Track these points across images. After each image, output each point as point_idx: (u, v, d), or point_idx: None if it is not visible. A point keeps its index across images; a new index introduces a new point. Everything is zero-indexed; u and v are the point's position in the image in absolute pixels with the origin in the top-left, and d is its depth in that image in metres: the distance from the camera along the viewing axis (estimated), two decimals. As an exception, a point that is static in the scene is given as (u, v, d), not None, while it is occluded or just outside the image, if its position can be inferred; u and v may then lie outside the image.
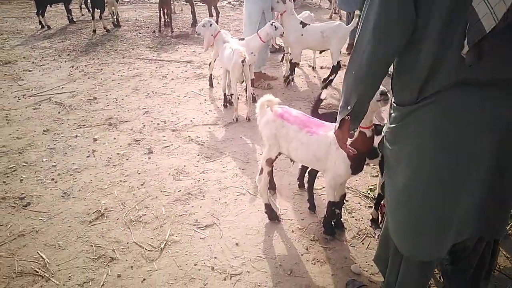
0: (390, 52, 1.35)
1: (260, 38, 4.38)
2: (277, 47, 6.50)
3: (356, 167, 2.25)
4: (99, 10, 8.12)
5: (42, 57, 6.60)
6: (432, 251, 1.54)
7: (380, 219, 2.65)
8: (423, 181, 1.44)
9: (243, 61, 3.93)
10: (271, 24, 4.35)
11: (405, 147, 1.47)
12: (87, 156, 3.61)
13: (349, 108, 1.48)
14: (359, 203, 2.93)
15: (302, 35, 4.85)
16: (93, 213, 2.84)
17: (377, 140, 2.13)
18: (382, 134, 1.70)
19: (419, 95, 1.37)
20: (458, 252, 1.77)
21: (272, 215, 2.73)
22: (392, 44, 1.32)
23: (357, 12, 4.97)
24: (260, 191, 2.71)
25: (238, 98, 4.27)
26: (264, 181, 2.64)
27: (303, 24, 4.89)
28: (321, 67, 5.95)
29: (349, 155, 1.93)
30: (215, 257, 2.43)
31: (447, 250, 1.55)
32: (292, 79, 5.22)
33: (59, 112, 4.53)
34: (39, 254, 2.46)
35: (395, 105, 1.50)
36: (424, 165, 1.42)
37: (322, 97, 2.55)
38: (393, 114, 1.52)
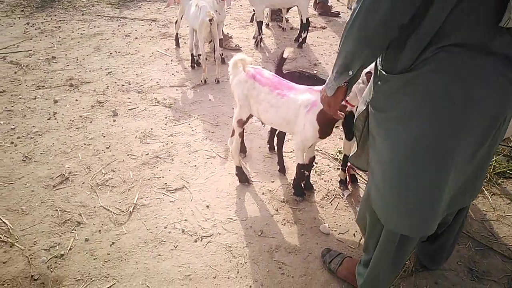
0: (408, 9, 1.20)
1: None
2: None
3: (324, 132, 2.26)
4: (54, -38, 7.52)
5: (-7, 12, 6.12)
6: (421, 228, 1.50)
7: (348, 180, 2.71)
8: (418, 153, 1.37)
9: (210, 20, 3.79)
10: None
11: (402, 114, 1.37)
12: (48, 119, 3.44)
13: (350, 73, 1.37)
14: (328, 165, 2.98)
15: None
16: (57, 177, 2.74)
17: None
18: (363, 107, 1.62)
19: (417, 58, 1.28)
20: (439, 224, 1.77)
21: (243, 177, 2.73)
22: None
23: None
24: (232, 153, 2.69)
25: (206, 58, 4.14)
26: (235, 143, 2.62)
27: None
28: (291, 28, 5.85)
29: (340, 118, 1.87)
30: (185, 220, 2.43)
31: (435, 227, 1.52)
32: (261, 39, 5.10)
33: (15, 72, 4.26)
34: (2, 220, 2.37)
35: (384, 73, 1.39)
36: (423, 135, 1.34)
37: (284, 55, 2.51)
38: (382, 83, 1.42)
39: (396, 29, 1.23)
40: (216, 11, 4.19)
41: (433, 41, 1.23)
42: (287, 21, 5.93)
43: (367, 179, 2.77)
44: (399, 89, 1.36)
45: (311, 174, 2.69)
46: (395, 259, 1.67)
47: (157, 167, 2.88)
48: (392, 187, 1.48)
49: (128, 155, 3.00)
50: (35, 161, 2.90)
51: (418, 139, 1.35)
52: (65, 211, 2.46)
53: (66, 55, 4.75)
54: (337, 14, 6.47)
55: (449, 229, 1.83)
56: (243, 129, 2.63)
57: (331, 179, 2.81)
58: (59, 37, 5.29)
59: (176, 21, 4.90)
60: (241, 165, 2.75)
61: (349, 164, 2.68)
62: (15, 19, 5.93)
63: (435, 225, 1.51)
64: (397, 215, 1.51)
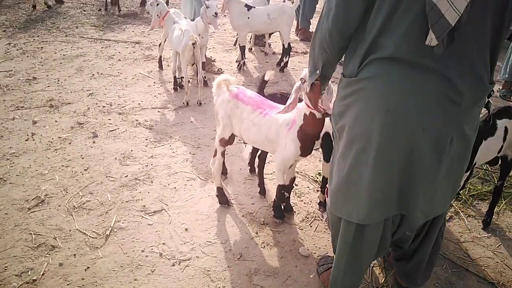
0: (350, 21, 1.42)
1: (202, 20, 4.29)
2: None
3: (306, 149, 2.29)
4: (39, -16, 7.56)
5: (-26, 32, 6.07)
6: (355, 214, 1.61)
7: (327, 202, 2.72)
8: (352, 152, 1.53)
9: (194, 44, 3.84)
10: (204, 4, 4.24)
11: (350, 120, 1.53)
12: (26, 140, 3.39)
13: (318, 72, 1.62)
14: (308, 187, 2.99)
15: (248, 18, 4.80)
16: (32, 199, 2.68)
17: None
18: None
19: (359, 65, 1.44)
20: (402, 241, 1.84)
21: (223, 199, 2.72)
22: (351, 12, 1.39)
23: None
24: (213, 174, 2.68)
25: (188, 81, 4.17)
26: (218, 163, 2.62)
27: (248, 7, 4.82)
28: (273, 53, 5.96)
29: (320, 111, 2.06)
30: (163, 243, 2.39)
31: (378, 218, 1.62)
32: (244, 63, 5.17)
33: (-7, 92, 4.21)
34: (-29, 244, 2.29)
35: (342, 76, 1.58)
36: (355, 137, 1.51)
37: (266, 78, 2.57)
38: (340, 85, 1.60)
39: (341, 37, 1.46)
40: (199, 34, 4.25)
41: (372, 51, 1.40)
42: (269, 46, 6.04)
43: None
44: (347, 93, 1.52)
45: (291, 196, 2.70)
46: (354, 254, 1.72)
47: (136, 189, 2.85)
48: (333, 177, 1.69)
49: (106, 177, 2.96)
50: (10, 183, 2.84)
51: (353, 141, 1.52)
52: (39, 234, 2.40)
53: (47, 75, 4.72)
54: (318, 40, 6.62)
55: (423, 246, 1.86)
56: (225, 149, 2.64)
57: (310, 201, 2.82)
58: (41, 58, 5.27)
59: (160, 44, 4.95)
60: (222, 187, 2.74)
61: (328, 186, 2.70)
62: (-4, 39, 5.90)
63: (371, 215, 1.59)
64: (337, 201, 1.69)
